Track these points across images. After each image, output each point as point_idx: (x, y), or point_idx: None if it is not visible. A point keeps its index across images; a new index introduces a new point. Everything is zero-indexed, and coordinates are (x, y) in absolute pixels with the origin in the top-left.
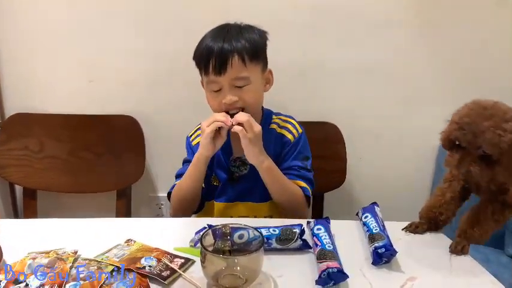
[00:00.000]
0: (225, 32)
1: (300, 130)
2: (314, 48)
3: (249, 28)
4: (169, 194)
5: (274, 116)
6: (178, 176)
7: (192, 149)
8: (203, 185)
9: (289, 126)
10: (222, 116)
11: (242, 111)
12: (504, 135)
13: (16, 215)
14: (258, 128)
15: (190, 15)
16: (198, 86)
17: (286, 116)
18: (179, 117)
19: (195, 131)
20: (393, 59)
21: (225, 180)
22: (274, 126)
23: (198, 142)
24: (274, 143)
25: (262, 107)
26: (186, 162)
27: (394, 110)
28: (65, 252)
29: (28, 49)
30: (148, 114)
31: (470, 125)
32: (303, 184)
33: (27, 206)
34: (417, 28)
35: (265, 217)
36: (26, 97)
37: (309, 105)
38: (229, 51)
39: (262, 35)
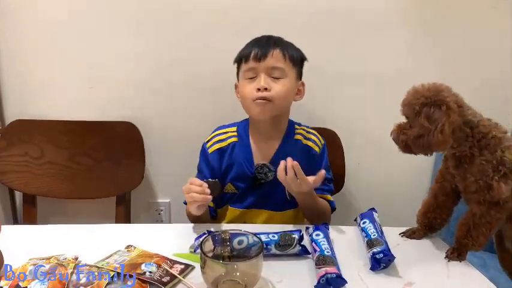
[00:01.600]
0: (269, 36)
1: (323, 141)
2: (313, 53)
3: (291, 43)
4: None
5: (297, 126)
6: None
7: (207, 157)
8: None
9: (314, 138)
10: (199, 194)
11: (269, 101)
12: (419, 98)
13: (16, 221)
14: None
15: (190, 21)
16: (198, 92)
17: (306, 126)
18: (179, 123)
19: (212, 137)
20: (392, 64)
21: (245, 188)
22: (299, 137)
23: (215, 150)
24: (301, 155)
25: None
26: (200, 172)
27: (393, 116)
28: (65, 258)
29: (28, 55)
30: (148, 121)
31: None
32: (330, 198)
33: (27, 212)
34: (417, 34)
35: None
36: (26, 103)
37: (307, 111)
38: (273, 43)
39: (301, 52)
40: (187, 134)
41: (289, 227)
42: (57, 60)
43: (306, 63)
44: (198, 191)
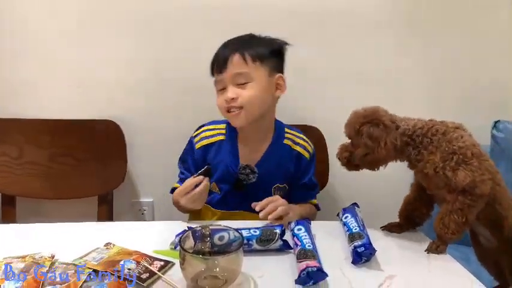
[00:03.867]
0: (235, 39)
1: (313, 147)
2: (297, 52)
3: (262, 37)
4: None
5: (287, 130)
6: (181, 180)
7: (193, 152)
8: None
9: (304, 143)
10: (199, 189)
11: (240, 109)
12: (358, 120)
13: None
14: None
15: (173, 21)
16: (180, 91)
17: (296, 130)
18: (161, 122)
19: (200, 132)
20: (377, 64)
21: (228, 190)
22: (288, 142)
23: (202, 146)
24: (289, 160)
25: (276, 119)
26: (184, 163)
27: None
28: (41, 257)
29: (8, 53)
30: (130, 119)
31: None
32: (315, 202)
33: (5, 213)
34: (401, 33)
35: None
36: (4, 102)
37: (291, 109)
38: (231, 50)
39: (275, 43)
40: (170, 133)
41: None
42: (37, 59)
43: (291, 61)
44: (198, 191)
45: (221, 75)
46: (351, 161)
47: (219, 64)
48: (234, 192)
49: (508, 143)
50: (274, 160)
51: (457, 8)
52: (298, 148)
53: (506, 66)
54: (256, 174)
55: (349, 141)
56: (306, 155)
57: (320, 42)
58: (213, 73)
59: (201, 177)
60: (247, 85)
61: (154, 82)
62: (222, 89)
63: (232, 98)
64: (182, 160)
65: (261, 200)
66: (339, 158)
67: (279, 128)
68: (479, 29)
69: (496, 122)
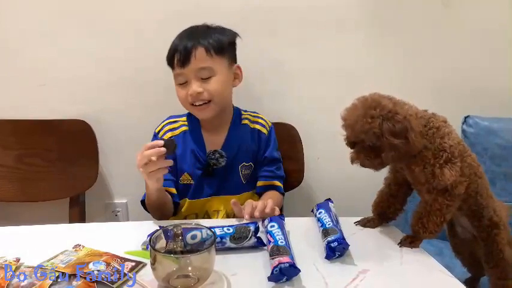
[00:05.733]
0: (192, 30)
1: (270, 123)
2: (271, 49)
3: (217, 27)
4: (142, 201)
5: (243, 112)
6: None
7: None
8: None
9: (260, 120)
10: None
11: (209, 102)
12: (372, 121)
13: None
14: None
15: (142, 18)
16: (151, 89)
17: (252, 111)
18: (132, 120)
19: (163, 126)
20: (352, 62)
21: (199, 177)
22: (246, 121)
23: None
24: (251, 139)
25: (232, 104)
26: None
27: None
28: (6, 261)
29: None
30: (101, 118)
31: (346, 120)
32: (279, 183)
33: None
34: (374, 29)
35: None
36: None
37: (267, 106)
38: (193, 44)
39: (230, 33)
40: (142, 132)
41: (246, 220)
42: (3, 57)
43: (266, 59)
44: (153, 152)
45: (184, 69)
46: (384, 164)
47: (181, 57)
48: (207, 179)
49: (477, 138)
50: (237, 140)
51: (422, 5)
52: (256, 126)
53: (477, 63)
54: (225, 158)
55: (355, 144)
56: (264, 130)
57: (295, 40)
58: (172, 66)
59: (159, 145)
60: (211, 79)
61: (126, 81)
62: (183, 83)
63: (199, 93)
64: None
65: (231, 182)
66: (366, 166)
67: (236, 110)
68: (448, 24)
69: (466, 117)
